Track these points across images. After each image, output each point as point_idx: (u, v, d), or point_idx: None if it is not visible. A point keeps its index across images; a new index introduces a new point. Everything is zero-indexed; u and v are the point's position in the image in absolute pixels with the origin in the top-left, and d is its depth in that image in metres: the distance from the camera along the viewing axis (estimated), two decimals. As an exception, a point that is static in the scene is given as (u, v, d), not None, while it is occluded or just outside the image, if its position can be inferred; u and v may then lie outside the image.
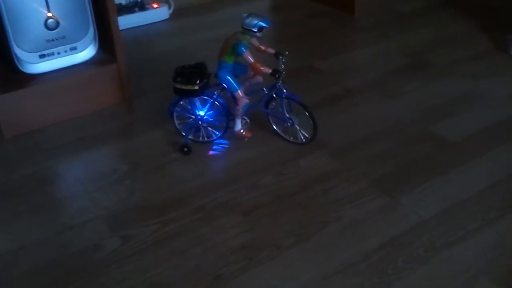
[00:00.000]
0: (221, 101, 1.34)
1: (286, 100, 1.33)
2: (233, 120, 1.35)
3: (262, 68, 1.27)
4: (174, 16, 2.18)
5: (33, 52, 1.43)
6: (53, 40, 1.45)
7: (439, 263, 1.05)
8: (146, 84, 1.68)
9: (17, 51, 1.41)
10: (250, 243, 1.11)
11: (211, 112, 1.36)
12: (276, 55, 1.31)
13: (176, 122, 1.40)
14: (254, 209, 1.20)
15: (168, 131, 1.44)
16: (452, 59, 1.81)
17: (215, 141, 1.40)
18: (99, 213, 1.19)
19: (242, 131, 1.36)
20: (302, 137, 1.38)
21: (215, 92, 1.33)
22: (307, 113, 1.31)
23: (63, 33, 1.45)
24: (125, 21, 2.00)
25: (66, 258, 1.09)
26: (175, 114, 1.39)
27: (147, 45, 1.94)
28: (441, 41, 1.95)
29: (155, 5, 2.14)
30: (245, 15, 1.27)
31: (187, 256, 1.08)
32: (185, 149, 1.36)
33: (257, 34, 1.27)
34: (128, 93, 1.58)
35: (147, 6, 2.12)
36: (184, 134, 1.38)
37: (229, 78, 1.30)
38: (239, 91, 1.30)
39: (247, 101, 1.31)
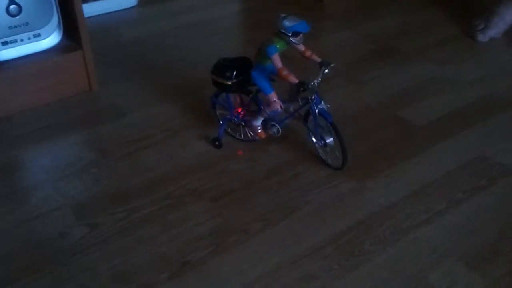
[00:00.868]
0: (259, 102, 1.25)
1: (319, 116, 1.19)
2: (258, 116, 1.26)
3: (288, 76, 1.14)
4: (142, 2, 2.15)
5: (-5, 39, 1.40)
6: (15, 26, 1.41)
7: (405, 245, 1.06)
8: (113, 72, 1.65)
9: (-21, 38, 1.38)
10: (219, 229, 1.10)
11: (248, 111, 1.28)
12: (321, 64, 1.17)
13: (218, 113, 1.34)
14: (223, 195, 1.19)
15: (134, 119, 1.42)
16: (420, 45, 1.83)
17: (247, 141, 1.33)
18: (64, 202, 1.17)
19: (259, 128, 1.27)
20: (331, 161, 1.25)
21: (252, 91, 1.25)
22: (336, 136, 1.19)
23: (26, 20, 1.42)
24: (91, 8, 1.97)
25: (31, 247, 1.07)
26: (217, 106, 1.33)
27: (114, 33, 1.91)
28: (409, 28, 1.96)
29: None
30: (283, 15, 1.14)
31: (154, 243, 1.07)
32: (216, 143, 1.32)
33: (291, 39, 1.13)
34: (95, 81, 1.55)
35: (114, -7, 2.09)
36: (221, 126, 1.32)
37: (261, 79, 1.19)
38: (272, 94, 1.18)
39: (279, 108, 1.19)
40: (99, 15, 2.03)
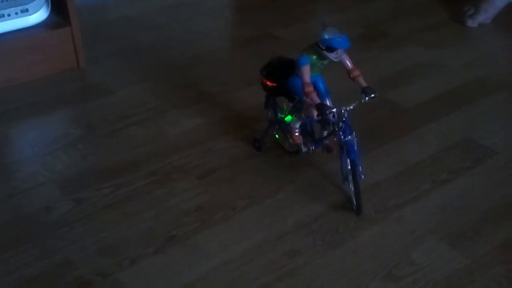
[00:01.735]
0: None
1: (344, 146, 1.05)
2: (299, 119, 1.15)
3: (311, 94, 1.02)
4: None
5: (-18, 14, 1.39)
6: (3, 1, 1.40)
7: (389, 223, 1.07)
8: (101, 49, 1.64)
9: (-35, 12, 1.37)
10: (205, 205, 1.11)
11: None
12: (363, 91, 1.04)
13: (269, 114, 1.22)
14: (209, 172, 1.19)
15: (122, 97, 1.42)
16: (409, 29, 1.83)
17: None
18: (51, 177, 1.17)
19: (296, 131, 1.15)
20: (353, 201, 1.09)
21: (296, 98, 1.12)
22: (351, 177, 1.07)
23: (14, -6, 1.41)
24: (81, -14, 1.95)
25: (17, 221, 1.07)
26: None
27: (103, 10, 1.90)
28: (398, 12, 1.96)
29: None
30: (324, 23, 1.03)
31: (140, 218, 1.08)
32: (256, 144, 1.25)
33: (324, 52, 1.01)
34: (82, 58, 1.54)
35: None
36: (268, 129, 1.22)
37: (294, 83, 1.08)
38: (306, 99, 1.06)
39: (314, 115, 1.05)
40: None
